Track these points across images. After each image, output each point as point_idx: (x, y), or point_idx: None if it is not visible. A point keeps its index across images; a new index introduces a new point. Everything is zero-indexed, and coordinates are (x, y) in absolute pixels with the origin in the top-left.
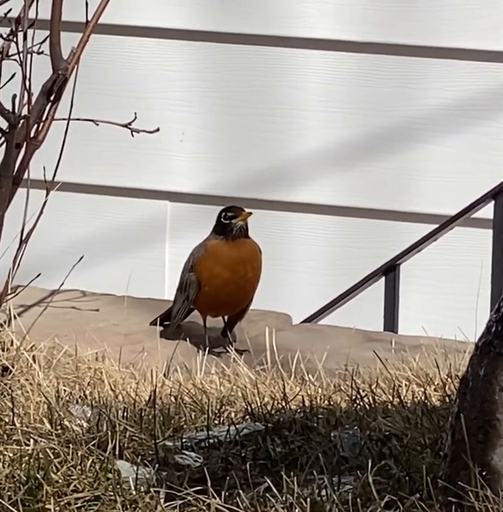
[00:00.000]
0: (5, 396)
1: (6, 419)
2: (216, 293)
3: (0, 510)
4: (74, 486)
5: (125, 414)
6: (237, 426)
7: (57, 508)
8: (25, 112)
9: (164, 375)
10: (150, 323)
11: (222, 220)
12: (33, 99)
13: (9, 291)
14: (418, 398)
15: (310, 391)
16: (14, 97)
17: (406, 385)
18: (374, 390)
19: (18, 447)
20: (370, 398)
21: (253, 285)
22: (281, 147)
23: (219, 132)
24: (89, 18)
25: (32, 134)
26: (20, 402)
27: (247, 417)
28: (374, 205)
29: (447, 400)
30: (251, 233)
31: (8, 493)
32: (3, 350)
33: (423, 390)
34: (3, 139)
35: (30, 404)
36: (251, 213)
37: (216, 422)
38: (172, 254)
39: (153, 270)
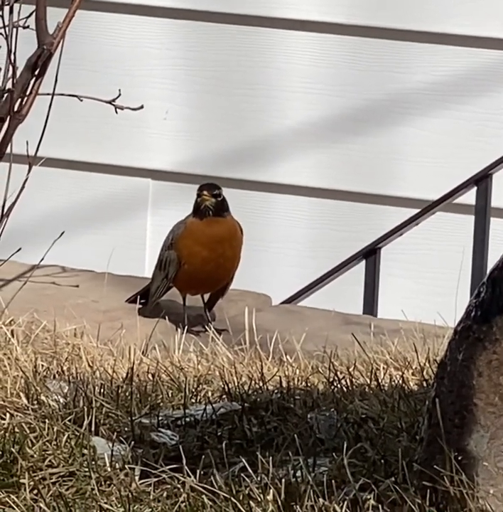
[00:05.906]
0: None
1: None
2: (195, 271)
3: None
4: (50, 461)
5: (102, 390)
6: (214, 405)
7: (32, 483)
8: (9, 85)
9: (142, 352)
10: (127, 300)
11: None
12: (18, 74)
13: None
14: (396, 382)
15: (288, 372)
16: None
17: (383, 368)
18: (352, 373)
19: None
20: (347, 381)
21: (232, 263)
22: (263, 127)
23: (202, 111)
24: None
25: (15, 109)
26: None
27: (224, 396)
28: (355, 188)
29: (424, 384)
30: (233, 213)
31: None
32: None
33: (400, 373)
34: None
35: (8, 378)
36: (210, 196)
37: (193, 400)
38: (153, 232)
39: (133, 248)
